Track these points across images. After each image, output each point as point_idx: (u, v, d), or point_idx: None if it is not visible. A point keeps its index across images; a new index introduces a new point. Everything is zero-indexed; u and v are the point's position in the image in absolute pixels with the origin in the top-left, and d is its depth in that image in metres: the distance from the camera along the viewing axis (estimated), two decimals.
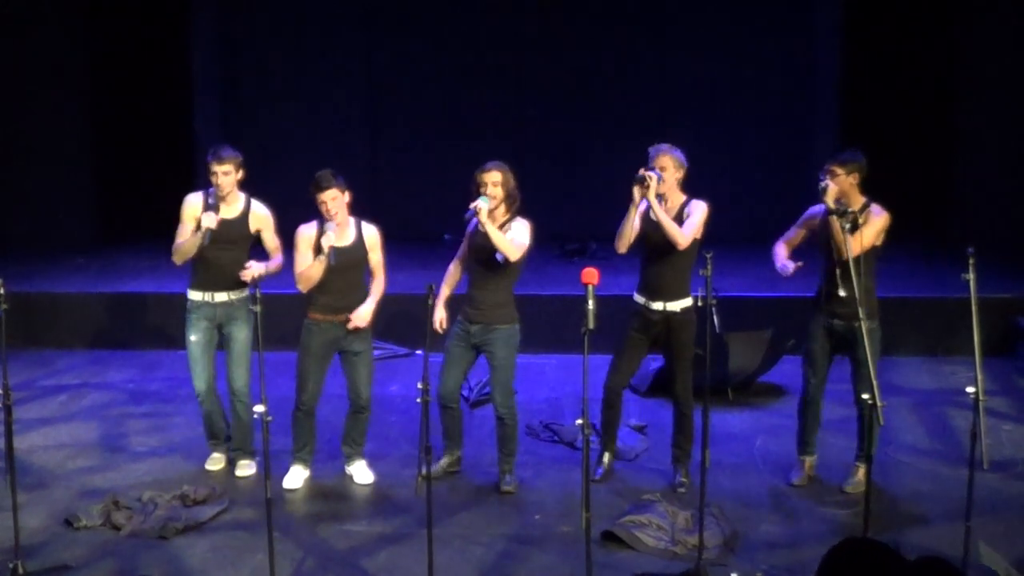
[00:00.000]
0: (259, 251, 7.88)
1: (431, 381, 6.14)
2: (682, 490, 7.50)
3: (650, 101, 13.43)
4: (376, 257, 7.63)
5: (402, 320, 10.02)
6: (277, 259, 7.83)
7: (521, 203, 7.49)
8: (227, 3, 13.73)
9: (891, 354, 9.79)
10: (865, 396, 6.15)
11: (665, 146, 7.45)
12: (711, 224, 7.46)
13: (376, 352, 10.44)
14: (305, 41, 13.68)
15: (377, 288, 7.66)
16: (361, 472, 7.84)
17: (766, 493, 7.57)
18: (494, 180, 7.37)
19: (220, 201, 7.59)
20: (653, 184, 7.22)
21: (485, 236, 7.32)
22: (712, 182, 13.25)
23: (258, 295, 6.12)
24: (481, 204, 7.26)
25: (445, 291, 7.71)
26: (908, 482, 7.70)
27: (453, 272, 7.75)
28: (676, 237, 7.25)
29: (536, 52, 13.50)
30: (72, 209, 13.08)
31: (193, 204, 7.66)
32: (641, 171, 7.27)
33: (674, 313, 7.47)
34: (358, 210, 7.63)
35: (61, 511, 7.25)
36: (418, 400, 6.03)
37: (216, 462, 8.03)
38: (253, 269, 7.56)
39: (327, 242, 7.30)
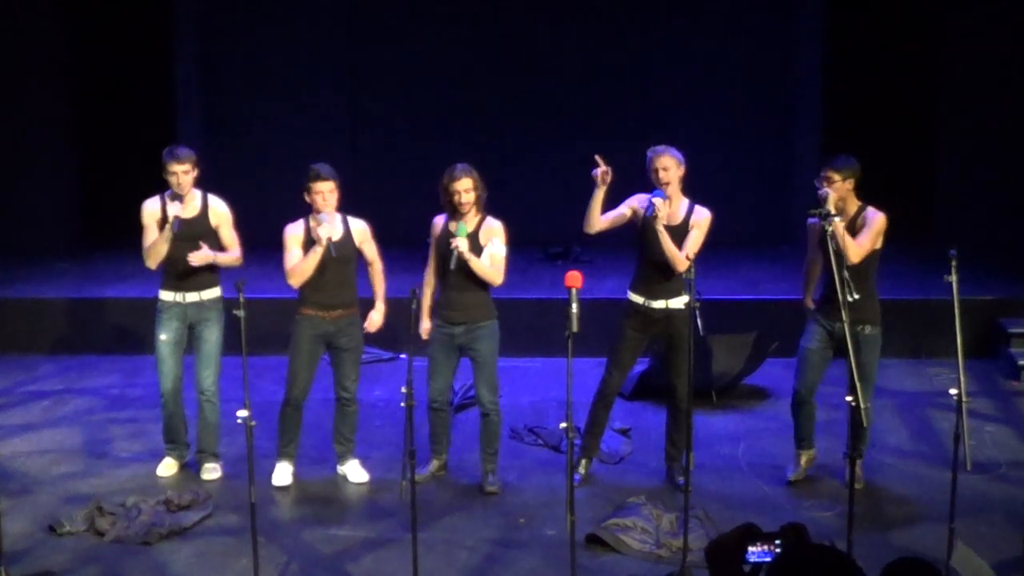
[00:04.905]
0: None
1: (417, 386, 6.14)
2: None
3: (634, 104, 13.42)
4: (371, 249, 7.69)
5: (386, 324, 9.97)
6: (234, 252, 7.81)
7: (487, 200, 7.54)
8: (210, 8, 13.70)
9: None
10: (848, 399, 6.17)
11: (662, 147, 7.46)
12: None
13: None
14: (287, 44, 13.63)
15: (379, 285, 7.79)
16: (355, 471, 7.83)
17: (750, 496, 7.57)
18: (466, 187, 7.38)
19: (178, 200, 7.62)
20: (663, 213, 7.23)
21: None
22: (696, 187, 13.39)
23: (241, 300, 6.13)
24: (460, 244, 7.27)
25: (427, 301, 7.66)
26: (892, 484, 7.71)
27: (430, 280, 7.70)
28: (677, 263, 7.27)
29: (520, 56, 13.47)
30: (54, 214, 13.00)
31: (152, 207, 7.73)
32: (651, 200, 7.28)
33: (677, 310, 7.47)
34: (340, 212, 7.62)
35: (44, 517, 7.22)
36: (402, 404, 6.03)
37: (169, 467, 7.99)
38: (203, 252, 7.58)
39: (325, 233, 7.32)
